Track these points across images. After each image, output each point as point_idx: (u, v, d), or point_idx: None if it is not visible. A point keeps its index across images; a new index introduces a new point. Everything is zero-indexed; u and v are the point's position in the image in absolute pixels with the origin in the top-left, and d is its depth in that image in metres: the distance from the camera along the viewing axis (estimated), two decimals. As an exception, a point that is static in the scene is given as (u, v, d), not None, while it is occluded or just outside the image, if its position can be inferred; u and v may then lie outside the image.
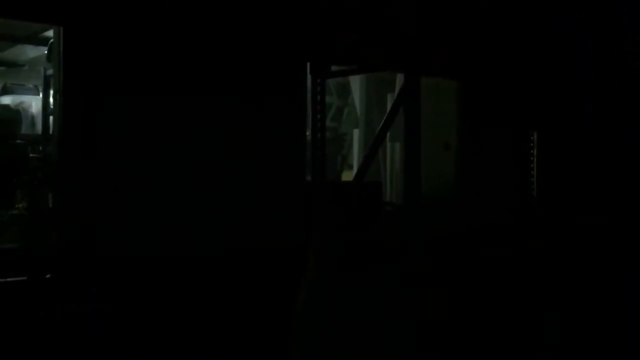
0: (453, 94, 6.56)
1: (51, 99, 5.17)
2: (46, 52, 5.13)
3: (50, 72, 5.06)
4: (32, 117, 6.11)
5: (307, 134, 5.55)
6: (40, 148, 5.63)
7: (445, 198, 6.51)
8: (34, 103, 6.21)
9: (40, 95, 6.55)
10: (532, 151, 6.91)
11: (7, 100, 6.21)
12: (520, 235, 6.64)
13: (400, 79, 6.73)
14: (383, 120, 5.86)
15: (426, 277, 5.50)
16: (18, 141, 5.13)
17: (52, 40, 4.75)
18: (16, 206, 4.74)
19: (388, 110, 6.86)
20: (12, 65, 6.46)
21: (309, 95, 5.49)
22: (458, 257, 6.11)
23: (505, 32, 6.68)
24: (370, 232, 5.64)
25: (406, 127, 5.63)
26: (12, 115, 5.05)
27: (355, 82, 7.72)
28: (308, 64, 5.43)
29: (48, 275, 4.15)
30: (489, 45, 6.51)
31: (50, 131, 5.23)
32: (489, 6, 6.52)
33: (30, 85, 6.74)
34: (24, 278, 4.01)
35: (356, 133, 7.74)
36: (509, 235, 6.55)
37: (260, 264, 4.82)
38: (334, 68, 5.72)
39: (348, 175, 7.77)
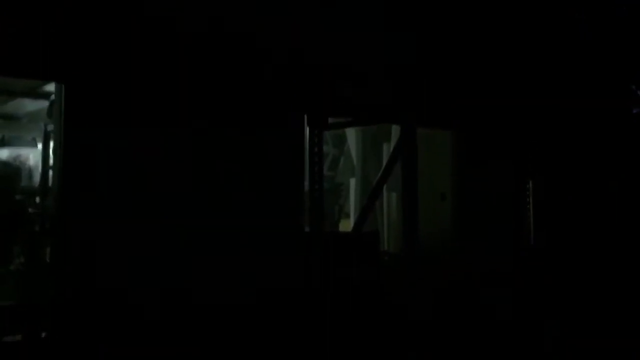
0: (448, 143, 6.63)
1: (51, 153, 5.20)
2: (47, 107, 5.19)
3: (50, 127, 5.10)
4: (30, 170, 6.14)
5: (305, 184, 5.57)
6: (38, 200, 5.63)
7: (442, 247, 6.51)
8: (31, 155, 6.25)
9: (38, 146, 6.60)
10: (528, 199, 6.95)
11: (5, 153, 6.24)
12: (518, 282, 6.64)
13: (395, 128, 6.81)
14: (380, 172, 5.91)
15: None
16: (17, 196, 5.12)
17: (52, 96, 4.81)
18: (14, 261, 4.71)
19: (385, 161, 6.93)
20: (11, 118, 6.51)
21: (306, 146, 5.54)
22: (458, 305, 6.10)
23: (498, 82, 6.81)
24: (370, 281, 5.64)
25: (404, 178, 5.68)
26: (12, 172, 5.07)
27: (351, 132, 7.80)
28: (305, 116, 5.49)
29: (44, 334, 4.09)
30: (483, 95, 6.62)
31: (49, 184, 5.24)
32: (481, 56, 6.67)
33: (28, 138, 6.78)
34: (19, 338, 3.94)
35: (353, 182, 7.77)
36: (507, 283, 6.55)
37: (258, 313, 4.79)
38: (331, 120, 5.78)
39: (346, 224, 7.77)
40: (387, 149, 7.23)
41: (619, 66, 8.57)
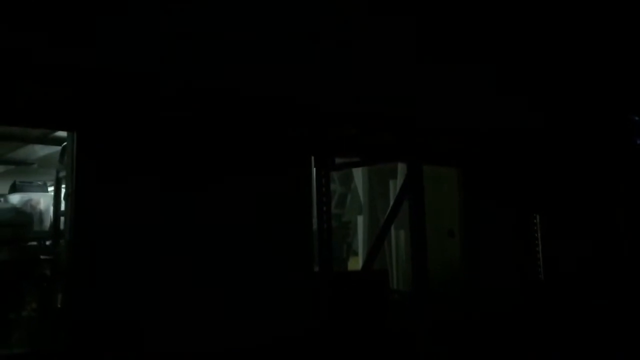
0: (454, 181, 6.67)
1: (62, 199, 5.26)
2: (59, 153, 5.27)
3: (62, 173, 5.17)
4: (41, 214, 6.21)
5: (313, 224, 5.60)
6: (48, 243, 5.69)
7: (452, 283, 6.49)
8: (42, 200, 6.33)
9: (48, 190, 6.67)
10: (535, 234, 6.96)
11: (16, 198, 6.33)
12: (529, 319, 6.59)
13: (401, 165, 6.86)
14: (388, 211, 5.93)
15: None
16: (30, 243, 5.18)
17: (65, 143, 4.90)
18: (26, 307, 4.73)
19: (392, 197, 6.97)
20: (22, 164, 6.60)
21: (314, 186, 5.59)
22: (468, 342, 6.05)
23: (503, 117, 6.87)
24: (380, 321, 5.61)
25: (411, 216, 5.70)
26: (25, 220, 5.13)
27: (357, 170, 7.86)
28: (313, 157, 5.56)
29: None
30: (489, 132, 6.68)
31: (61, 228, 5.29)
32: (486, 94, 6.74)
33: (39, 182, 6.87)
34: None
35: (360, 220, 7.80)
36: (519, 320, 6.50)
37: (267, 357, 4.78)
38: (338, 160, 5.85)
39: (354, 262, 7.77)
40: (393, 186, 7.28)
41: (620, 97, 8.64)
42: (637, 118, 9.50)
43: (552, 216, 7.20)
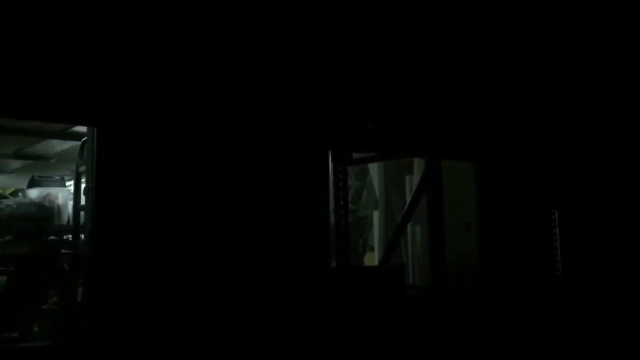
0: (471, 174, 6.64)
1: (82, 193, 5.30)
2: (79, 148, 5.30)
3: (82, 168, 5.20)
4: (59, 208, 6.25)
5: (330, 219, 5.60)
6: (67, 237, 5.72)
7: (469, 278, 6.47)
8: (60, 195, 6.37)
9: (67, 185, 6.72)
10: (554, 230, 6.91)
11: (34, 193, 6.37)
12: (547, 315, 6.57)
13: (418, 161, 6.84)
14: (406, 207, 5.92)
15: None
16: (50, 237, 5.22)
17: (85, 138, 4.92)
18: (47, 301, 4.77)
19: (407, 192, 6.95)
20: (41, 158, 6.65)
21: (331, 181, 5.59)
22: (485, 337, 6.03)
23: (521, 111, 6.83)
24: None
25: (429, 211, 5.69)
26: (46, 214, 5.17)
27: (374, 165, 7.84)
28: (330, 152, 5.56)
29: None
30: (506, 126, 6.65)
31: (81, 223, 5.32)
32: (503, 87, 6.70)
33: (57, 177, 6.92)
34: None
35: (376, 215, 7.79)
36: (536, 315, 6.48)
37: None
38: (355, 155, 5.85)
39: (370, 257, 7.76)
40: (409, 181, 7.26)
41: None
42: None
43: (571, 212, 7.14)
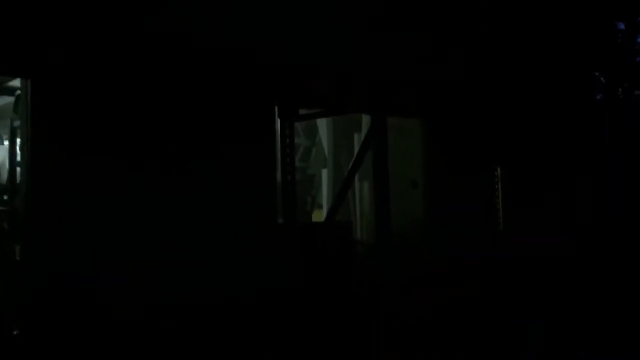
0: (419, 132, 6.70)
1: (18, 150, 5.11)
2: (13, 103, 5.10)
3: (17, 123, 5.01)
4: (-5, 166, 6.01)
5: (277, 175, 5.58)
6: (6, 198, 5.54)
7: (414, 234, 6.59)
8: (-5, 153, 6.12)
9: (4, 143, 6.46)
10: (496, 186, 7.07)
11: (-31, 151, 6.11)
12: (490, 269, 6.76)
13: (366, 118, 6.85)
14: (352, 162, 5.94)
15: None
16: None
17: (18, 91, 4.73)
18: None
19: (355, 150, 6.98)
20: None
21: (277, 138, 5.55)
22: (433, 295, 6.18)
23: (466, 69, 6.90)
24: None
25: (375, 167, 5.73)
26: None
27: (322, 123, 7.83)
28: (276, 108, 5.50)
29: (16, 332, 4.05)
30: (452, 84, 6.71)
31: (17, 181, 5.15)
32: (451, 46, 6.74)
33: (-8, 134, 6.64)
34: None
35: (324, 173, 7.81)
36: (479, 270, 6.66)
37: (233, 306, 4.80)
38: (302, 111, 5.80)
39: (318, 215, 7.81)
40: (358, 139, 7.28)
41: (583, 53, 8.75)
42: (597, 74, 9.67)
43: (513, 169, 7.32)
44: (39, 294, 4.10)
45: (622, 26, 9.90)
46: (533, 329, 5.87)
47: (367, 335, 5.30)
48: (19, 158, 5.03)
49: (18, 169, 5.06)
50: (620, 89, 9.81)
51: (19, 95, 4.78)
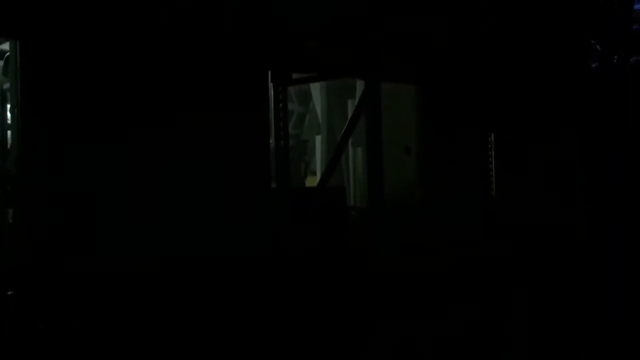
0: (412, 98, 6.68)
1: (8, 113, 5.07)
2: (2, 65, 5.03)
3: (6, 85, 4.96)
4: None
5: (271, 141, 5.57)
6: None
7: (408, 200, 6.61)
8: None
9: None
10: (490, 152, 7.08)
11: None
12: (480, 235, 6.81)
13: (360, 84, 6.81)
14: (345, 127, 5.93)
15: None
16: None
17: (8, 53, 4.67)
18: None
19: (349, 117, 6.96)
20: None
21: (271, 103, 5.52)
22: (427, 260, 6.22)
23: (462, 38, 6.84)
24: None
25: (368, 133, 5.71)
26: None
27: (316, 89, 7.78)
28: (269, 72, 5.46)
29: (10, 292, 4.07)
30: (447, 51, 6.66)
31: (8, 145, 5.13)
32: (447, 13, 6.67)
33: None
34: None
35: (318, 139, 7.80)
36: (472, 237, 6.70)
37: (225, 269, 4.83)
38: (295, 76, 5.76)
39: (312, 181, 7.82)
40: (352, 105, 7.25)
41: (579, 21, 8.67)
42: (593, 42, 9.60)
43: (507, 136, 7.32)
44: (32, 257, 4.11)
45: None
46: (517, 298, 5.92)
47: (356, 296, 5.35)
48: (9, 121, 5.00)
49: (9, 132, 5.03)
50: (615, 57, 9.75)
51: (8, 57, 4.72)
